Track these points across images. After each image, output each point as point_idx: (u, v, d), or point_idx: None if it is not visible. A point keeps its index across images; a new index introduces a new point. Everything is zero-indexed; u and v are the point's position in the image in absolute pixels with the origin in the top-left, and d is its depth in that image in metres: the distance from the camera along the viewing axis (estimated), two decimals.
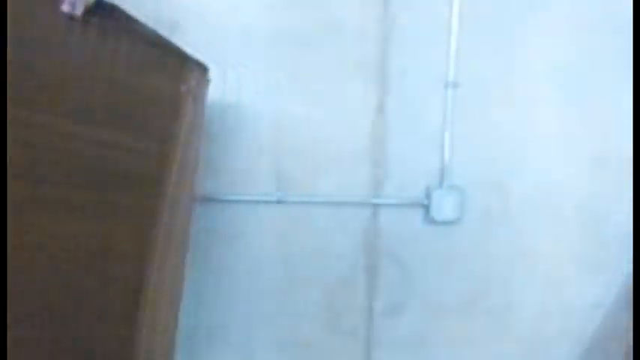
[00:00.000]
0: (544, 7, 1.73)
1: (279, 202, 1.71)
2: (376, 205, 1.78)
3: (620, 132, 1.81)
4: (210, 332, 1.75)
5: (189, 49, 1.33)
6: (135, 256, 1.17)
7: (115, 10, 1.13)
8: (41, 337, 1.03)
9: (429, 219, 1.79)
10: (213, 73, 1.44)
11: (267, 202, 1.71)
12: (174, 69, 1.29)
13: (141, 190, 1.19)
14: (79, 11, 1.02)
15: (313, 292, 1.78)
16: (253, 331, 1.76)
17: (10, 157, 0.93)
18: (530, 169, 1.82)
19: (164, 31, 1.28)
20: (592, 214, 1.85)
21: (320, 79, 1.71)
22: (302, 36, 1.68)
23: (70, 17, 1.02)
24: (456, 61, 1.74)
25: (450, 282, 1.87)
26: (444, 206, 1.80)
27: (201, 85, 1.38)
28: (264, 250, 1.73)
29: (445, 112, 1.76)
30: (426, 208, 1.78)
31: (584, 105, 1.79)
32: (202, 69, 1.38)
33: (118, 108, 1.14)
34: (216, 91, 1.58)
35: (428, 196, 1.78)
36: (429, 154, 1.76)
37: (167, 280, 1.27)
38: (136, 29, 1.19)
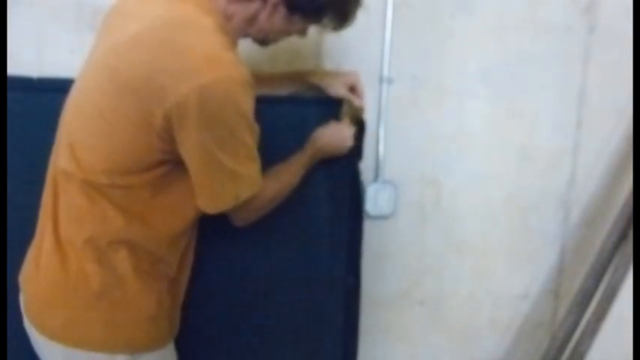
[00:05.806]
0: (474, 6, 1.77)
1: None
2: None
3: (545, 127, 1.88)
4: None
5: None
6: None
7: None
8: None
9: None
10: None
11: None
12: None
13: None
14: None
15: None
16: None
17: None
18: (461, 163, 1.86)
19: None
20: (519, 208, 1.91)
21: None
22: None
23: None
24: (390, 57, 1.76)
25: (384, 274, 1.90)
26: (379, 201, 1.83)
27: None
28: None
29: (380, 107, 1.78)
30: None
31: (511, 101, 1.84)
32: None
33: None
34: None
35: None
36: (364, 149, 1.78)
37: None
38: None
